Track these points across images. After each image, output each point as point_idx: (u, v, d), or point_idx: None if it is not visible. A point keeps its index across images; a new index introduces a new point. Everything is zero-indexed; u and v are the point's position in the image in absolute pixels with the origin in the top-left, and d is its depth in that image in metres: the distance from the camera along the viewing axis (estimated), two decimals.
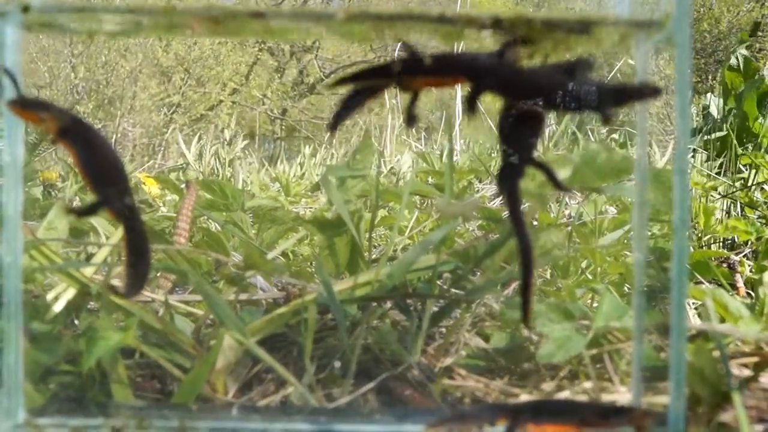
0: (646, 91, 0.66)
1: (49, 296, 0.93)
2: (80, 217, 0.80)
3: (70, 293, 0.93)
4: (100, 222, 1.23)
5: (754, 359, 0.93)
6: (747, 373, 0.87)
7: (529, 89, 0.68)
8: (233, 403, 0.83)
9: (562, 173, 0.91)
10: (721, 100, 2.70)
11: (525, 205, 0.90)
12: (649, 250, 0.78)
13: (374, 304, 0.95)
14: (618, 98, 0.67)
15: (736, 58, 2.63)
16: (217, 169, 3.63)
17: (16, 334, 0.72)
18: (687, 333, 0.89)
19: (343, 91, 0.75)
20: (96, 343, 0.77)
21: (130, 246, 0.75)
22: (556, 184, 0.76)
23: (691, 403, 0.72)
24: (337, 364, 0.87)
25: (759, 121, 2.48)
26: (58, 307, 0.91)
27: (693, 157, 2.29)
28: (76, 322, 0.97)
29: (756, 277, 1.48)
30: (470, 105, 0.71)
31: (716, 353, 0.77)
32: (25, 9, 0.64)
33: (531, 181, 0.92)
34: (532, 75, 0.71)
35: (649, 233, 0.83)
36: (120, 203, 0.73)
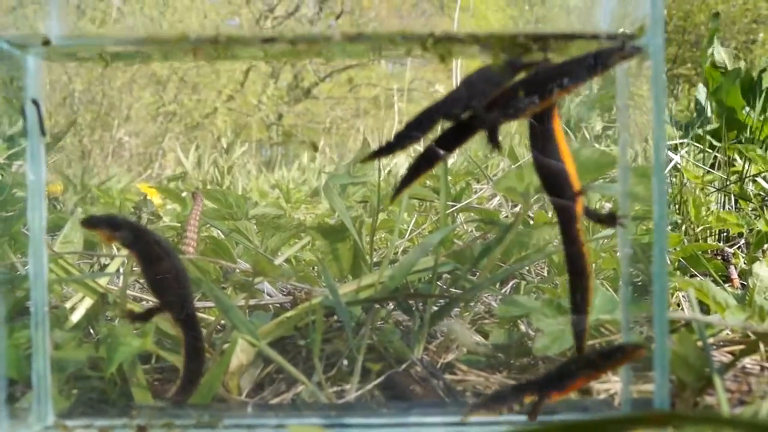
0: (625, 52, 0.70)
1: (67, 306, 0.97)
2: (137, 322, 0.85)
3: (87, 303, 0.98)
4: None
5: (741, 347, 0.98)
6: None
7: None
8: (247, 402, 0.87)
9: None
10: (704, 93, 2.74)
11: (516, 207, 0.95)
12: (639, 245, 0.82)
13: (377, 305, 0.99)
14: (602, 62, 0.70)
15: (718, 52, 2.66)
16: (217, 177, 3.67)
17: (44, 341, 0.77)
18: (670, 323, 0.94)
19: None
20: (117, 349, 0.81)
21: (188, 351, 0.78)
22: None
23: (677, 389, 0.76)
24: (345, 362, 0.91)
25: (746, 111, 2.51)
26: (76, 316, 0.96)
27: (687, 150, 2.33)
28: (92, 331, 1.02)
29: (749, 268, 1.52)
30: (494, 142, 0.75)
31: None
32: (46, 42, 0.68)
33: (519, 182, 0.96)
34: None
35: (644, 228, 0.87)
36: (180, 310, 0.76)
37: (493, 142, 0.73)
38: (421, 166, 0.78)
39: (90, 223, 0.77)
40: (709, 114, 2.70)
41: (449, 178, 1.43)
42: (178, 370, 0.91)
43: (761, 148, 2.41)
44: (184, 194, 1.91)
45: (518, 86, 0.72)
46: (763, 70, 2.64)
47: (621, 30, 0.73)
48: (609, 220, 0.78)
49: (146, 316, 0.81)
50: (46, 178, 0.78)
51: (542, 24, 0.87)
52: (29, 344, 0.78)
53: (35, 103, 0.74)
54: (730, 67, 2.67)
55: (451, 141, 0.77)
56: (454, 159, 2.23)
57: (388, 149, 0.75)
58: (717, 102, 2.59)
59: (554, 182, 0.75)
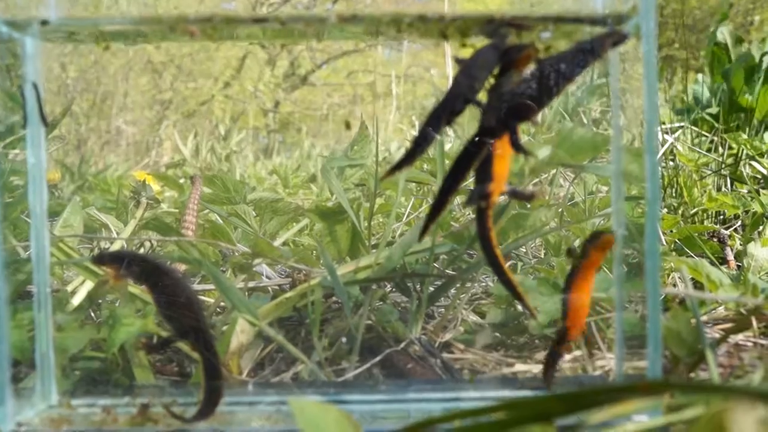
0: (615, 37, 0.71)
1: (69, 289, 0.99)
2: (154, 353, 0.86)
3: (88, 286, 0.99)
4: (110, 219, 1.28)
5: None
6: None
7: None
8: (248, 381, 0.89)
9: (542, 153, 0.96)
10: (709, 78, 2.75)
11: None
12: (635, 225, 0.83)
13: (375, 286, 1.01)
14: (595, 49, 0.71)
15: (722, 33, 2.67)
16: (214, 164, 3.67)
17: (47, 323, 0.78)
18: (665, 301, 0.95)
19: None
20: (119, 329, 0.82)
21: (207, 373, 0.77)
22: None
23: (670, 364, 0.78)
24: (344, 340, 0.93)
25: (746, 95, 2.51)
26: (77, 299, 0.97)
27: (683, 134, 2.33)
28: (92, 314, 1.03)
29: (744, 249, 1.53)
30: (518, 148, 0.75)
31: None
32: (44, 23, 0.69)
33: (514, 163, 0.97)
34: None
35: (641, 210, 0.89)
36: (196, 338, 0.76)
37: (518, 149, 0.74)
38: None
39: (99, 260, 0.78)
40: (707, 96, 2.71)
41: (446, 161, 1.44)
42: (179, 350, 0.92)
43: (755, 131, 2.42)
44: (182, 181, 1.91)
45: (522, 86, 0.72)
46: (764, 54, 2.64)
47: (606, 11, 0.74)
48: (529, 196, 0.80)
49: (162, 346, 0.81)
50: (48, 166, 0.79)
51: (538, 7, 0.88)
52: (32, 326, 0.79)
53: (35, 86, 0.75)
54: (732, 47, 2.67)
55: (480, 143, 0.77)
56: (450, 143, 2.24)
57: (409, 158, 0.76)
58: (724, 83, 2.60)
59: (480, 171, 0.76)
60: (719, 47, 2.75)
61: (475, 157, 0.75)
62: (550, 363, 0.81)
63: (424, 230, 0.80)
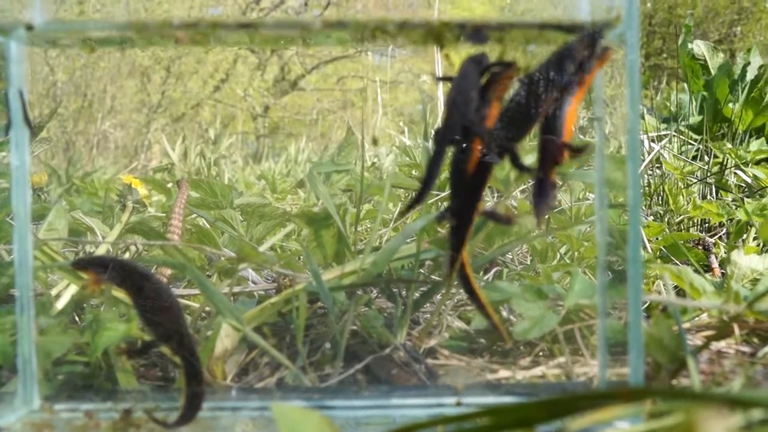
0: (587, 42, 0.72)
1: (53, 293, 0.98)
2: (136, 358, 0.86)
3: (72, 290, 0.99)
4: (96, 223, 1.28)
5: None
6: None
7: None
8: (232, 386, 0.88)
9: (528, 160, 0.97)
10: (687, 89, 2.77)
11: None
12: (620, 233, 0.83)
13: (360, 291, 1.01)
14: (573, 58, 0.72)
15: (698, 46, 2.70)
16: (203, 168, 3.67)
17: (29, 327, 0.77)
18: (649, 309, 0.96)
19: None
20: (102, 334, 0.82)
21: (188, 378, 0.77)
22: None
23: (652, 371, 0.78)
24: (328, 345, 0.93)
25: (730, 105, 2.54)
26: (61, 303, 0.97)
27: (670, 142, 2.35)
28: (77, 318, 1.03)
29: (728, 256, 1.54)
30: (520, 167, 0.76)
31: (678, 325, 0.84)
32: (29, 27, 0.69)
33: (500, 169, 0.97)
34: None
35: (627, 218, 0.89)
36: (177, 342, 0.76)
37: (521, 169, 0.75)
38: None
39: (78, 265, 0.78)
40: (690, 105, 2.73)
41: None
42: (163, 355, 0.92)
43: (739, 140, 2.44)
44: (169, 185, 1.91)
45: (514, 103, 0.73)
46: (747, 64, 2.67)
47: (591, 20, 0.75)
48: (506, 220, 0.82)
49: (143, 351, 0.81)
50: (30, 168, 0.78)
51: (527, 16, 0.88)
52: (14, 330, 0.78)
53: (20, 93, 0.74)
54: (709, 60, 2.69)
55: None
56: None
57: (421, 195, 0.77)
58: (706, 94, 2.62)
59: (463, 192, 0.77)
60: (694, 60, 2.77)
61: (484, 184, 0.76)
62: (542, 193, 0.75)
63: (450, 267, 0.81)
